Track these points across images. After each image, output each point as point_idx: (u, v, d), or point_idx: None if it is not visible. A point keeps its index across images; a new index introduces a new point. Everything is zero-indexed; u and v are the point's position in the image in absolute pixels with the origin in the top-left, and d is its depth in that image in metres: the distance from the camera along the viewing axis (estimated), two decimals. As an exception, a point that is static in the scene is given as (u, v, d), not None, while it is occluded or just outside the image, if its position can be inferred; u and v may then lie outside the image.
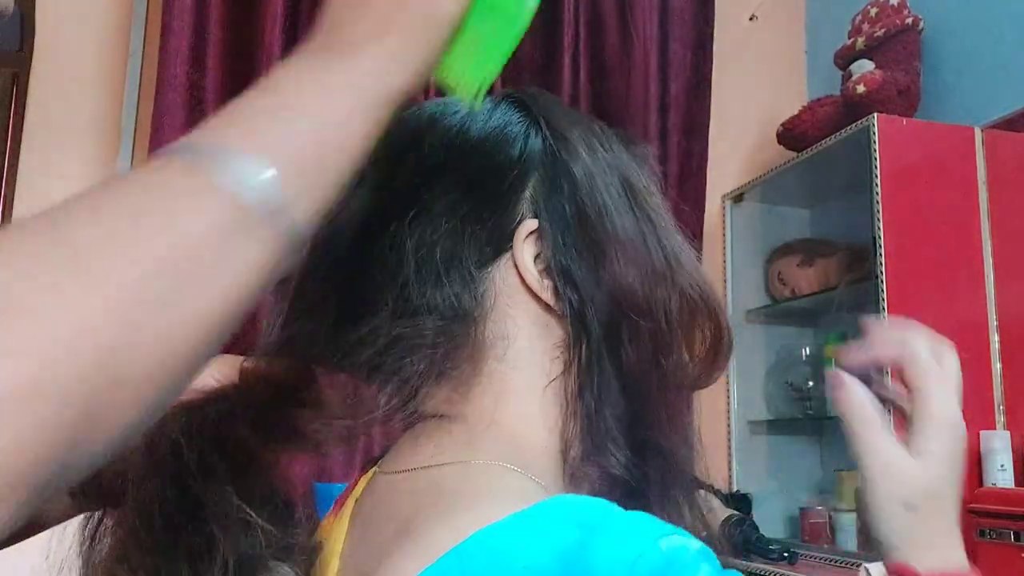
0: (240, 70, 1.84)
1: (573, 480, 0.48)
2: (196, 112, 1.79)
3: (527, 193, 0.50)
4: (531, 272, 0.49)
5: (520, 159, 0.51)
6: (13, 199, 1.86)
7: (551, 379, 0.49)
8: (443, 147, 0.51)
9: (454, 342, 0.48)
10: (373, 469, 0.53)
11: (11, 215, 1.85)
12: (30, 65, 1.91)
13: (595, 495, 0.45)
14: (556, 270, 0.49)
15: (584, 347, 0.48)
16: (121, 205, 0.30)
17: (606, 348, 0.48)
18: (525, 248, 0.49)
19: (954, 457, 0.50)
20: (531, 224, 0.49)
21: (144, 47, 1.97)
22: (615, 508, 0.38)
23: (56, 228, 0.28)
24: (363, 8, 0.38)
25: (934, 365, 0.53)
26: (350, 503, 0.52)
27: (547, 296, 0.49)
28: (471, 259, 0.49)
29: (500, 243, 0.49)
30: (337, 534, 0.50)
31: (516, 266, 0.49)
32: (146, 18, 1.99)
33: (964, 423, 0.51)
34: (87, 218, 0.29)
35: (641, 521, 0.37)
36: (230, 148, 0.32)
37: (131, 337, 0.27)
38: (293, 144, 0.33)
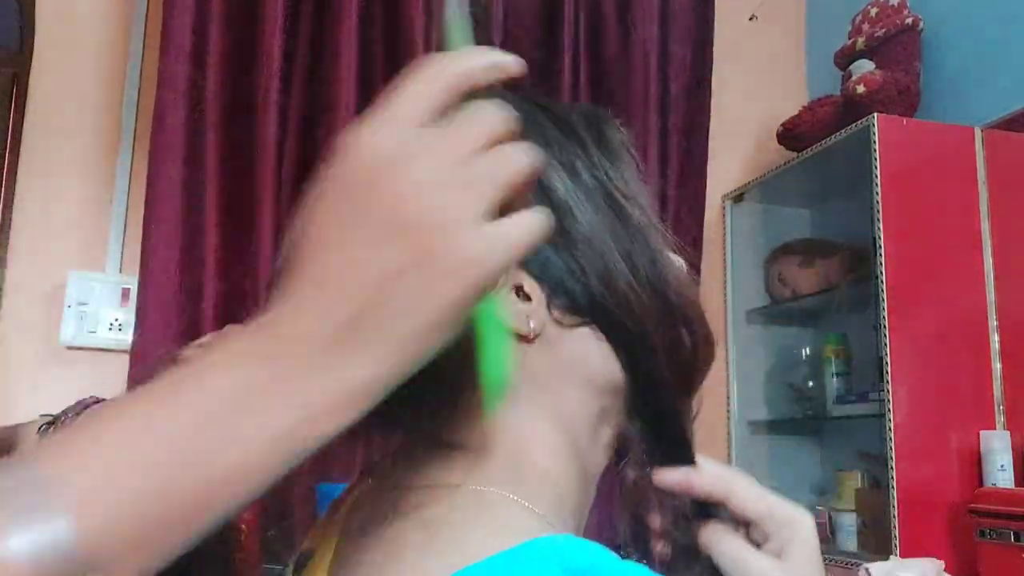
0: (240, 70, 1.84)
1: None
2: (196, 112, 1.79)
3: None
4: (508, 302, 0.45)
5: None
6: (13, 199, 1.86)
7: (549, 404, 0.47)
8: None
9: (454, 367, 0.45)
10: (368, 478, 0.52)
11: (11, 215, 1.85)
12: (30, 65, 1.91)
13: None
14: (538, 296, 0.46)
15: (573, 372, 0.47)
16: None
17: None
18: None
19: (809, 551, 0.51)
20: None
21: (144, 47, 1.97)
22: (607, 556, 0.36)
23: None
24: (337, 297, 0.31)
25: (750, 493, 0.52)
26: (343, 511, 0.51)
27: (524, 326, 0.46)
28: None
29: None
30: (328, 543, 0.49)
31: None
32: (146, 18, 1.99)
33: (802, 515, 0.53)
34: None
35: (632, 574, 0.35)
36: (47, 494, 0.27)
37: None
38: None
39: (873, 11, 2.08)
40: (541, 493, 0.44)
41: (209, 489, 0.29)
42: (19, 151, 1.87)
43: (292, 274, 0.33)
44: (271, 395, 0.30)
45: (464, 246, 0.31)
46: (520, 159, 0.34)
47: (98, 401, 0.51)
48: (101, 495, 0.28)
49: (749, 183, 2.25)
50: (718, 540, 0.51)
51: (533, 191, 0.44)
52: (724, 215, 2.31)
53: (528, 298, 0.46)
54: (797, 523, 0.52)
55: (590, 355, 0.47)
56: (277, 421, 0.30)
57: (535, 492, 0.44)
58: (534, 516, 0.42)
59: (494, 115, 0.34)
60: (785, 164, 2.09)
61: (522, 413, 0.47)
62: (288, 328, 0.32)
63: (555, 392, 0.47)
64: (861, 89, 1.89)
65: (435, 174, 0.31)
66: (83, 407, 0.51)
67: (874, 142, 1.74)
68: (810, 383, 2.17)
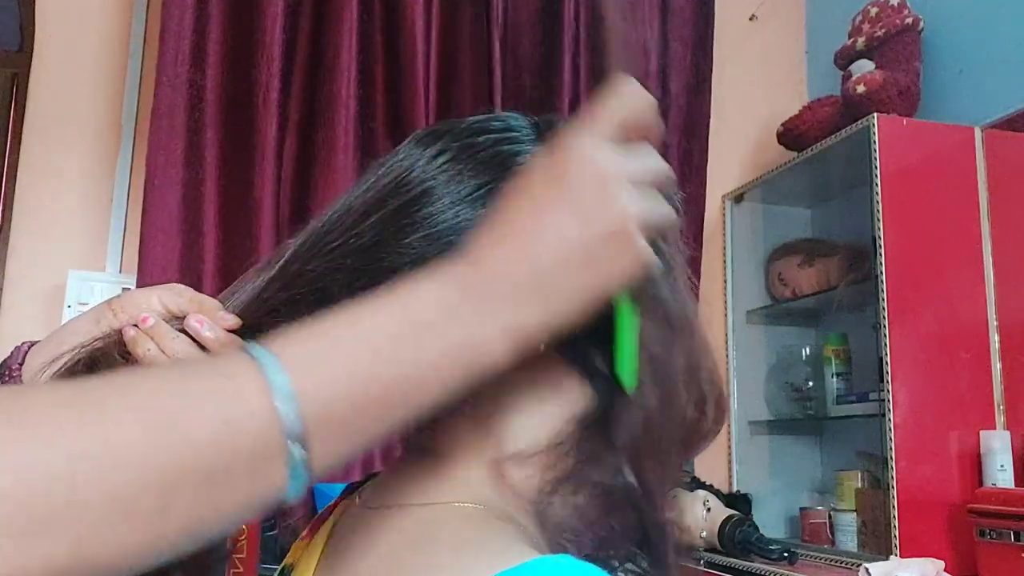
0: (240, 70, 1.84)
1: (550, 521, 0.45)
2: (196, 112, 1.79)
3: None
4: None
5: None
6: (13, 199, 1.86)
7: (544, 422, 0.46)
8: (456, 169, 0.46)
9: None
10: (353, 496, 0.52)
11: (11, 215, 1.85)
12: (30, 65, 1.91)
13: (569, 539, 0.43)
14: None
15: (583, 395, 0.45)
16: (156, 391, 0.31)
17: (606, 396, 0.45)
18: None
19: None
20: None
21: (144, 47, 1.97)
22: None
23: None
24: (542, 251, 0.37)
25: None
26: (326, 529, 0.51)
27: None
28: None
29: None
30: (308, 561, 0.49)
31: None
32: (146, 18, 1.99)
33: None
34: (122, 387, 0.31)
35: None
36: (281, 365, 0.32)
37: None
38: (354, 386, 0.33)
39: (873, 11, 2.08)
40: (520, 504, 0.44)
41: (401, 386, 0.35)
42: (19, 151, 1.87)
43: (502, 225, 0.39)
44: (458, 316, 0.36)
45: (640, 244, 0.39)
46: (671, 212, 0.42)
47: (33, 344, 0.51)
48: (317, 367, 0.33)
49: (749, 183, 2.25)
50: None
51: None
52: (724, 215, 2.31)
53: None
54: None
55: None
56: (450, 340, 0.36)
57: (513, 503, 0.43)
58: (523, 535, 0.41)
59: (663, 165, 0.43)
60: (785, 164, 2.09)
61: (522, 421, 0.46)
62: (496, 266, 0.38)
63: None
64: (861, 89, 1.89)
65: (630, 188, 0.39)
66: (22, 354, 0.51)
67: (874, 142, 1.74)
68: (810, 383, 2.17)
